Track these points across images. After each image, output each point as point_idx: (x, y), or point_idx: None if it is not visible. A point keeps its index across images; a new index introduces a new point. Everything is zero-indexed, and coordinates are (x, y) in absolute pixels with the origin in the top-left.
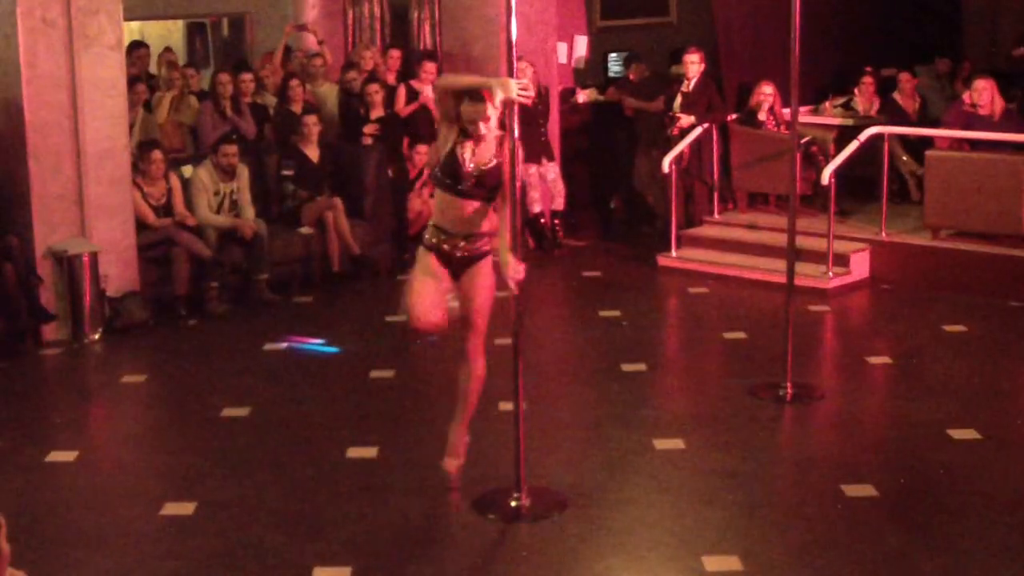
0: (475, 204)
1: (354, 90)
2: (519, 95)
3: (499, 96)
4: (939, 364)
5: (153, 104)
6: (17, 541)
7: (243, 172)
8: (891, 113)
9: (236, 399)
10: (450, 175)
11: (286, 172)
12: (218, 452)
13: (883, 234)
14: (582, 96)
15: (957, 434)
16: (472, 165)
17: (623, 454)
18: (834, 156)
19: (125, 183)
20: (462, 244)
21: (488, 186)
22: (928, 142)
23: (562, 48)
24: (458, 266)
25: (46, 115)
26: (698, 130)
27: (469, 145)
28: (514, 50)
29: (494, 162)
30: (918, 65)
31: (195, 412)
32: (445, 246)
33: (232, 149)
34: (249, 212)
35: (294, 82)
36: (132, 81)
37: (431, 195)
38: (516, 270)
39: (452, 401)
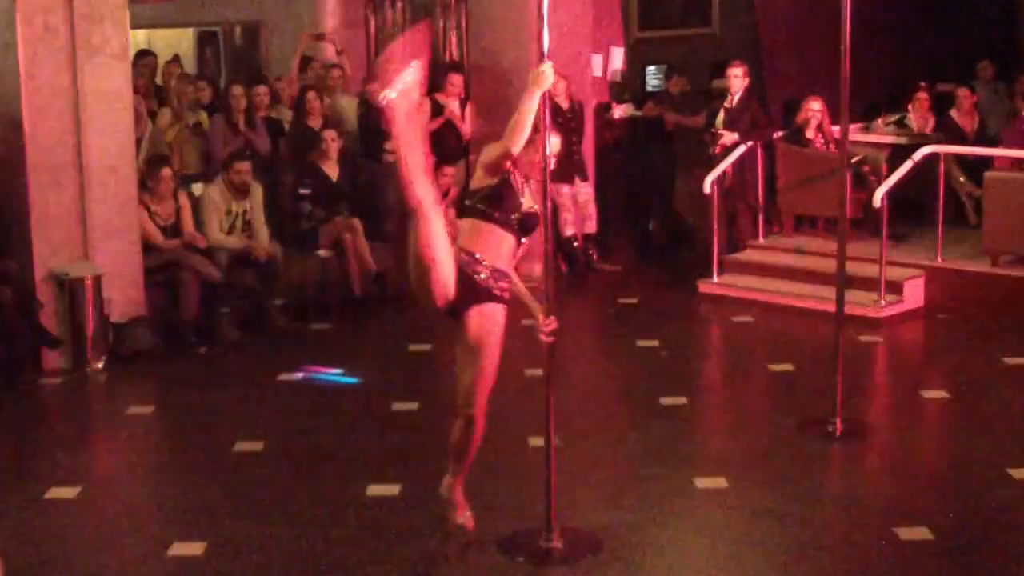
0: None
1: (376, 103)
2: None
3: (541, 89)
4: (999, 399)
5: (157, 121)
6: None
7: (256, 191)
8: (947, 131)
9: (249, 432)
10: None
11: (303, 191)
12: (229, 488)
13: (939, 260)
14: (618, 111)
15: (1017, 473)
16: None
17: (662, 493)
18: (887, 177)
19: (131, 202)
20: (504, 286)
21: (528, 228)
22: (987, 162)
23: (597, 60)
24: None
25: (47, 128)
26: (742, 148)
27: (521, 180)
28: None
29: (536, 207)
30: (977, 80)
31: (205, 446)
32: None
33: (245, 166)
34: (263, 233)
35: (311, 95)
36: (139, 93)
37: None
38: (548, 323)
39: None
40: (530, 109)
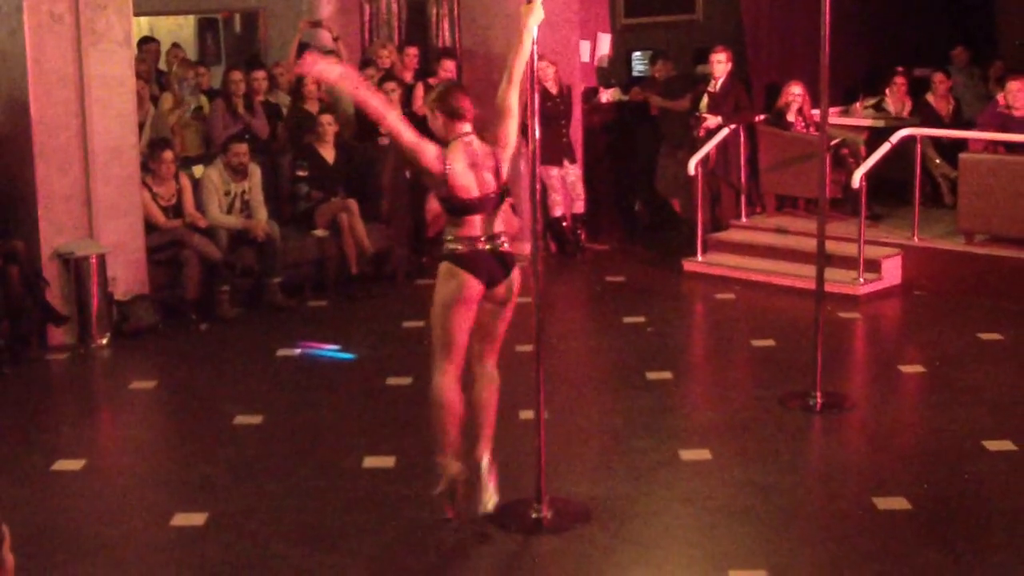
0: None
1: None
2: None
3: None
4: (974, 373)
5: (159, 106)
6: (21, 552)
7: (255, 172)
8: (924, 114)
9: (248, 406)
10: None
11: (300, 173)
12: (230, 461)
13: (915, 239)
14: (605, 96)
15: (992, 445)
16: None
17: (648, 465)
18: (865, 158)
19: (134, 183)
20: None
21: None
22: (962, 144)
23: (585, 46)
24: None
25: (53, 113)
26: (725, 131)
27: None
28: (535, 48)
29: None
30: (952, 66)
31: (206, 419)
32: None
33: (243, 148)
34: (261, 213)
35: (308, 80)
36: (141, 78)
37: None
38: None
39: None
40: (528, 44)
